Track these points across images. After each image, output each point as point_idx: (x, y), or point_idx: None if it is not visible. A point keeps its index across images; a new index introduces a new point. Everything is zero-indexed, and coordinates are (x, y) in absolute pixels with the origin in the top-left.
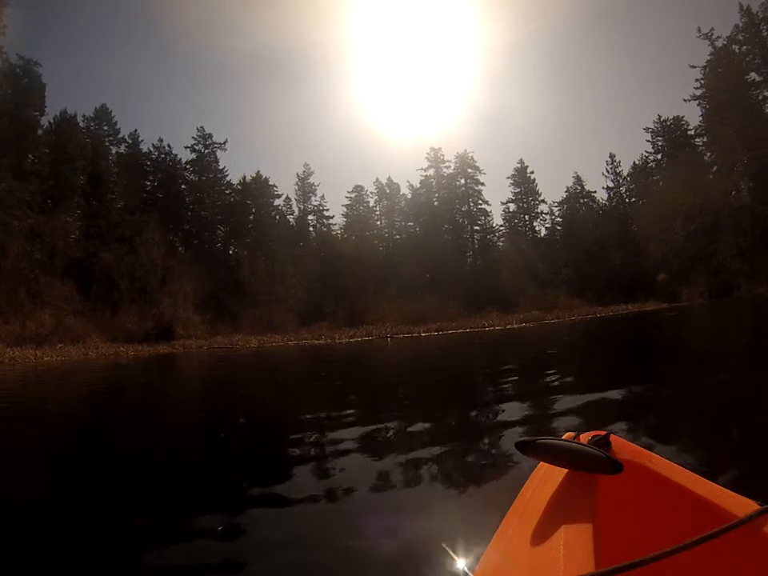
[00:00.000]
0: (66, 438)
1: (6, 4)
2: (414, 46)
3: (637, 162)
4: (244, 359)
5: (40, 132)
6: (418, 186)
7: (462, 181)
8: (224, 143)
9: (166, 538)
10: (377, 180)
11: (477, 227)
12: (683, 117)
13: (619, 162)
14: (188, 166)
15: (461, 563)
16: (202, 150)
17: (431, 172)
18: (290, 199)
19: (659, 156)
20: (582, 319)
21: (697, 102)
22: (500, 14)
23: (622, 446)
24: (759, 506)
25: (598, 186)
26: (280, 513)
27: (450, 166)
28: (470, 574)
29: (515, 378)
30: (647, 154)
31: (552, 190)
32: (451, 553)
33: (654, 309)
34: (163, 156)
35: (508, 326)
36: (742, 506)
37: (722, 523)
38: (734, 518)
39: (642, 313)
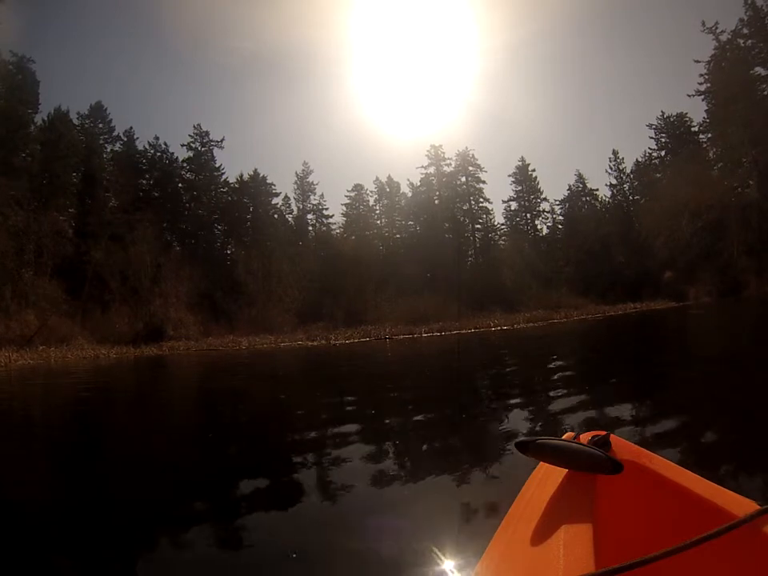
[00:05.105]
0: None
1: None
2: (414, 44)
3: (640, 159)
4: (208, 365)
5: (32, 128)
6: (419, 184)
7: (463, 179)
8: (221, 141)
9: (164, 538)
10: (377, 179)
11: (478, 226)
12: (686, 113)
13: (622, 158)
14: (185, 164)
15: (461, 563)
16: (199, 148)
17: (432, 170)
18: (288, 198)
19: (663, 153)
20: (592, 318)
21: (701, 97)
22: (500, 10)
23: (622, 446)
24: (759, 506)
25: (601, 184)
26: (278, 513)
27: (450, 164)
28: (470, 573)
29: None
30: (650, 151)
31: (554, 188)
32: (451, 553)
33: (663, 307)
34: (159, 154)
35: (515, 326)
36: (742, 506)
37: (722, 523)
38: (734, 518)
39: (654, 311)
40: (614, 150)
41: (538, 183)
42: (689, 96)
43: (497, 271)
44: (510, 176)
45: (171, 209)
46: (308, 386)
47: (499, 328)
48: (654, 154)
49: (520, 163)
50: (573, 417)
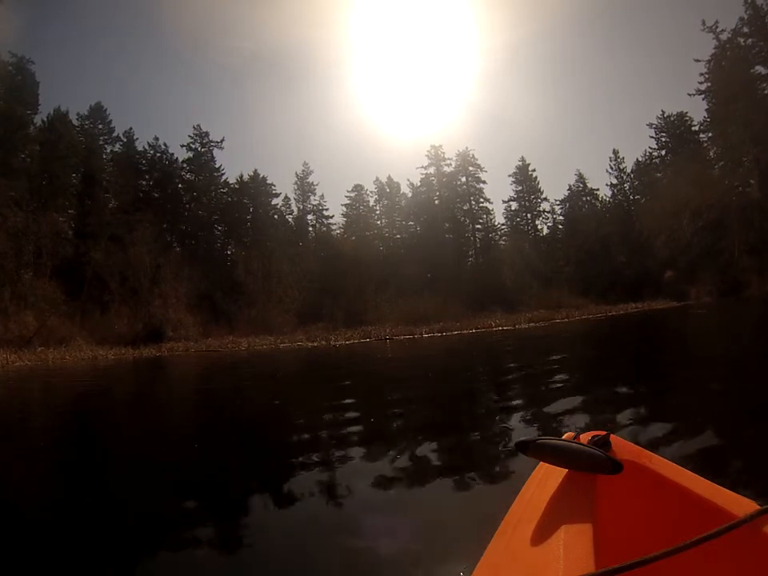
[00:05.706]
0: None
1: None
2: (414, 45)
3: (640, 159)
4: (193, 367)
5: (32, 129)
6: (419, 184)
7: (463, 179)
8: (221, 142)
9: (163, 538)
10: (377, 179)
11: (478, 226)
12: (687, 112)
13: (623, 158)
14: (184, 165)
15: (460, 563)
16: (199, 149)
17: (432, 170)
18: (288, 198)
19: (663, 152)
20: (593, 318)
21: (702, 96)
22: (500, 10)
23: (622, 446)
24: (759, 506)
25: (601, 184)
26: (277, 513)
27: (450, 164)
28: (470, 573)
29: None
30: (651, 151)
31: (554, 188)
32: (451, 553)
33: (664, 307)
34: (159, 155)
35: (517, 326)
36: (742, 506)
37: (722, 523)
38: (734, 518)
39: (655, 311)
40: (614, 150)
41: (538, 183)
42: (689, 95)
43: (497, 271)
44: (510, 176)
45: (171, 209)
46: (308, 386)
47: (501, 328)
48: (655, 154)
49: (520, 163)
50: (573, 416)
